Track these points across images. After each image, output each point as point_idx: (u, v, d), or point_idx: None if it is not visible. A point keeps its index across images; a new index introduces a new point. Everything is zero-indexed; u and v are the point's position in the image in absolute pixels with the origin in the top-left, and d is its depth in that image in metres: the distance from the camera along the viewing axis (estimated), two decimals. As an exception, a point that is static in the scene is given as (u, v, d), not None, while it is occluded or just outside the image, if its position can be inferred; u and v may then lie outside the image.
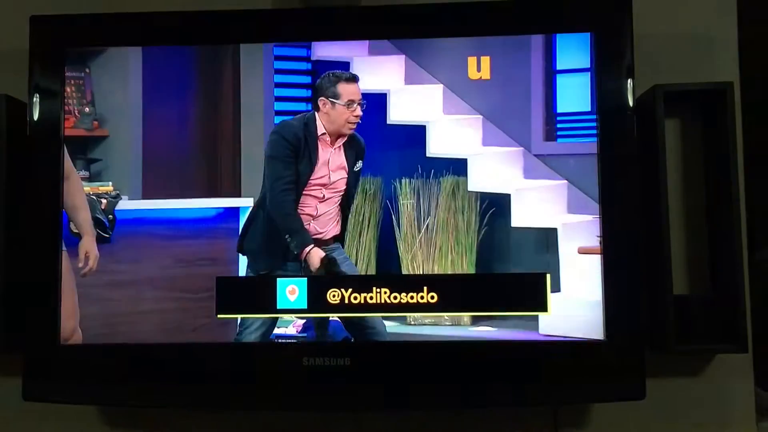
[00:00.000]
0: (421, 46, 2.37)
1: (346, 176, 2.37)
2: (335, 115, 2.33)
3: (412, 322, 2.35)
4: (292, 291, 2.26)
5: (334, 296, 2.25)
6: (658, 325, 2.23)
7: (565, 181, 2.29)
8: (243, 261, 2.37)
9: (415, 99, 2.38)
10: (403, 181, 2.38)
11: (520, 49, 2.33)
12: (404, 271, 2.40)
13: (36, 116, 2.28)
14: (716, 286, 2.36)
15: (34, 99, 2.28)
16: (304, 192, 2.35)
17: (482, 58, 2.34)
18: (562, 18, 2.30)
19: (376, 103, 2.35)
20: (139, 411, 2.49)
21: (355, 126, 2.34)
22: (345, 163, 2.37)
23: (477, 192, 2.36)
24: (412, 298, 2.24)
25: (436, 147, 2.36)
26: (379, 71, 2.36)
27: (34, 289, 2.25)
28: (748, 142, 2.36)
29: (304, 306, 2.26)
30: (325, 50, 2.40)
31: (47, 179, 2.26)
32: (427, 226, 2.40)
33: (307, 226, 2.34)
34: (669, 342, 2.19)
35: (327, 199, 2.37)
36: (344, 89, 2.29)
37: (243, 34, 2.37)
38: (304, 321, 2.34)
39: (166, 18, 2.38)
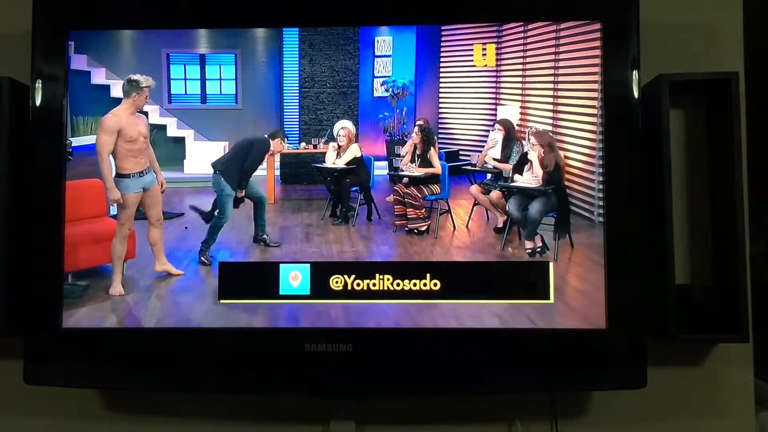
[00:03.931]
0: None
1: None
2: None
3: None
4: (294, 277, 2.27)
5: (336, 282, 2.26)
6: (660, 314, 2.24)
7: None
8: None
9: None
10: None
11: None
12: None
13: (39, 99, 2.27)
14: (718, 276, 2.37)
15: (37, 83, 2.27)
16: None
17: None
18: (572, 6, 2.30)
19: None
20: (140, 395, 2.49)
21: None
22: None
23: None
24: (414, 285, 2.25)
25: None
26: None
27: (36, 272, 2.24)
28: (751, 132, 2.37)
29: (307, 292, 2.27)
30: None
31: (49, 161, 2.26)
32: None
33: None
34: (670, 331, 2.20)
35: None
36: None
37: (254, 18, 2.40)
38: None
39: (176, 1, 2.38)
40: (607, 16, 2.24)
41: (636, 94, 2.21)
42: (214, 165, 2.68)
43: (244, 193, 2.79)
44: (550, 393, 2.42)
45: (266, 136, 2.81)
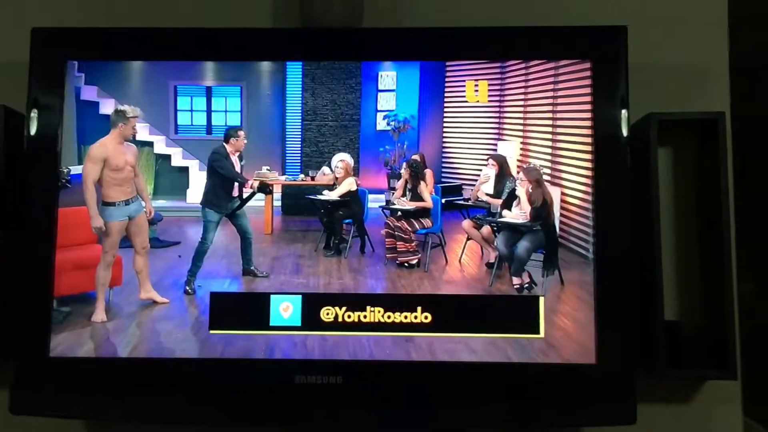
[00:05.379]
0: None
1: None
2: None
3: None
4: (285, 308, 2.28)
5: (327, 314, 2.27)
6: (649, 350, 2.24)
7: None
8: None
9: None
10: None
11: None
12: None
13: (34, 128, 2.29)
14: (706, 312, 2.38)
15: (32, 112, 2.29)
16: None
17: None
18: (564, 47, 2.33)
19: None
20: (127, 426, 2.48)
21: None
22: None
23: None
24: (405, 317, 2.26)
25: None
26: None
27: (25, 300, 2.24)
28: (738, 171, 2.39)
29: (298, 323, 2.27)
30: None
31: (43, 190, 2.27)
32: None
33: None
34: (659, 367, 2.21)
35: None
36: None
37: (245, 52, 2.43)
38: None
39: (168, 34, 2.40)
40: (596, 56, 2.27)
41: (625, 133, 2.23)
42: (201, 203, 2.74)
43: (256, 185, 2.85)
44: (539, 428, 2.41)
45: (222, 141, 2.82)
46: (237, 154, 2.81)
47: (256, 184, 2.85)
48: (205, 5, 2.61)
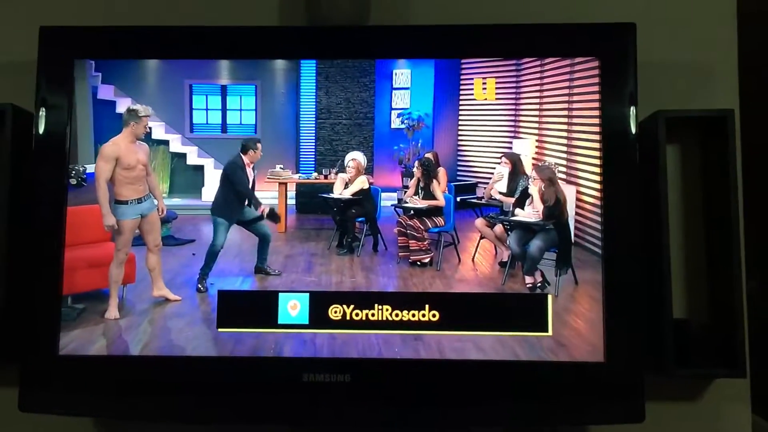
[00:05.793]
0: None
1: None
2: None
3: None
4: (293, 306, 2.29)
5: (335, 312, 2.27)
6: (657, 348, 2.24)
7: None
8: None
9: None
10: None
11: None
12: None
13: (42, 127, 2.30)
14: (715, 310, 2.37)
15: (41, 110, 2.30)
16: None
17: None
18: (572, 44, 2.33)
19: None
20: (135, 424, 2.50)
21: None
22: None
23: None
24: (413, 315, 2.26)
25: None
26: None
27: (34, 299, 2.25)
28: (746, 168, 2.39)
29: (306, 321, 2.28)
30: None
31: (51, 189, 2.28)
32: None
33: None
34: (668, 365, 2.21)
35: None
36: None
37: (257, 50, 2.43)
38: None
39: (176, 32, 2.41)
40: (604, 54, 2.27)
41: (633, 130, 2.22)
42: (211, 210, 2.74)
43: (268, 209, 2.86)
44: (548, 426, 2.42)
45: (239, 152, 2.83)
46: (251, 166, 2.82)
47: (267, 211, 2.86)
48: (208, 3, 2.62)
